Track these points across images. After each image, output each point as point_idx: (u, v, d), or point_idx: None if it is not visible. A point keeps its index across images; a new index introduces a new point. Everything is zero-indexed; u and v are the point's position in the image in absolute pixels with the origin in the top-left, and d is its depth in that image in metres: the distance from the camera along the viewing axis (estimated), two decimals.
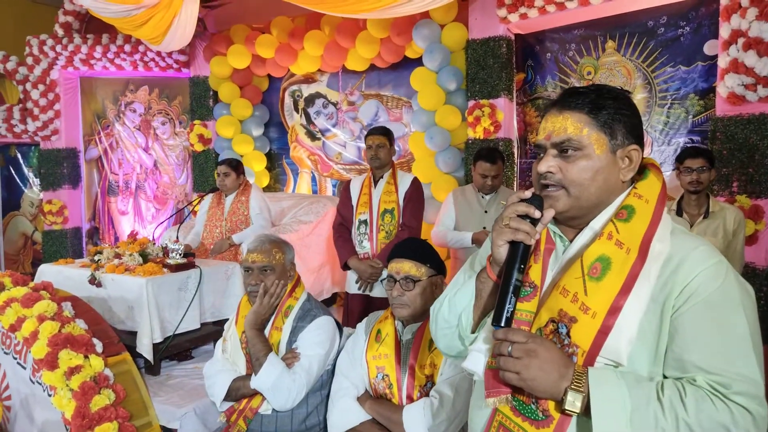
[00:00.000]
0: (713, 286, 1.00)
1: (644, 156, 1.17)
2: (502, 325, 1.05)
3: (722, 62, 3.42)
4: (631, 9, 3.97)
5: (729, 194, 3.43)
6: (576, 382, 0.99)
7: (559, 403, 1.01)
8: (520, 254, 1.07)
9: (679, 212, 3.02)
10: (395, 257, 1.92)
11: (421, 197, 3.37)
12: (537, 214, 1.07)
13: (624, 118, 1.10)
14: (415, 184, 3.36)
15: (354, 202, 3.39)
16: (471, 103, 4.49)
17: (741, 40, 3.26)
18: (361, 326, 2.09)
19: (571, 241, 1.15)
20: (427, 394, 1.80)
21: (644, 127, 4.10)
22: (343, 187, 3.51)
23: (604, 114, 1.09)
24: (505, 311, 1.05)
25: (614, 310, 1.01)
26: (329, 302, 4.71)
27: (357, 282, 3.27)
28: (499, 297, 1.06)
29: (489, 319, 1.11)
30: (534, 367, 1.00)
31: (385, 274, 2.55)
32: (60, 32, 6.29)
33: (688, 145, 3.75)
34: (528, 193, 1.10)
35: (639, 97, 4.02)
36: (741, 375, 0.96)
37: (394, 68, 5.18)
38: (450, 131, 4.60)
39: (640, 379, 0.99)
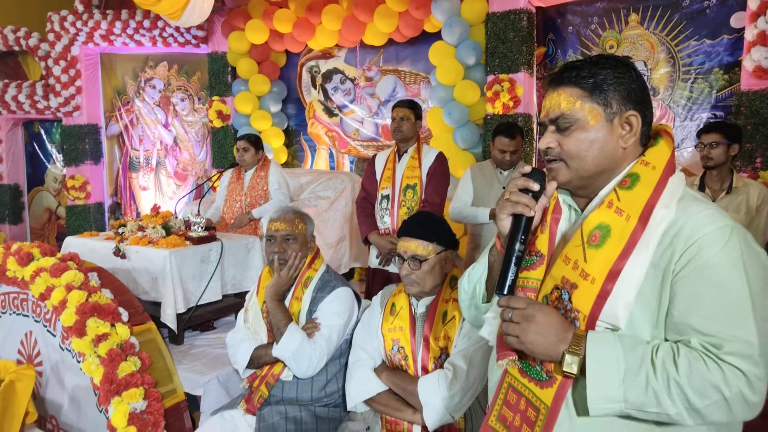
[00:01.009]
0: (713, 250, 0.99)
1: (659, 123, 1.18)
2: (505, 292, 1.11)
3: (749, 35, 3.34)
4: None
5: (752, 170, 3.37)
6: (574, 345, 1.03)
7: (559, 365, 1.05)
8: (522, 226, 1.12)
9: (702, 187, 2.99)
10: (403, 236, 1.93)
11: (446, 173, 3.29)
12: (535, 186, 1.13)
13: (619, 85, 1.11)
14: (440, 159, 3.27)
15: (378, 176, 3.36)
16: (490, 77, 4.44)
17: None
18: (376, 299, 2.12)
19: (582, 210, 1.18)
20: (441, 366, 1.83)
21: (666, 102, 4.02)
22: (368, 162, 3.49)
23: (596, 84, 1.11)
24: (508, 280, 1.11)
25: (612, 276, 1.04)
26: (347, 277, 4.76)
27: (377, 257, 3.30)
28: (502, 266, 1.13)
29: None
30: (531, 331, 1.06)
31: None
32: (80, 8, 6.33)
33: (712, 120, 3.69)
34: (528, 168, 1.16)
35: (662, 72, 3.95)
36: (734, 336, 0.96)
37: (412, 43, 5.14)
38: (468, 107, 4.57)
39: (637, 343, 1.01)
